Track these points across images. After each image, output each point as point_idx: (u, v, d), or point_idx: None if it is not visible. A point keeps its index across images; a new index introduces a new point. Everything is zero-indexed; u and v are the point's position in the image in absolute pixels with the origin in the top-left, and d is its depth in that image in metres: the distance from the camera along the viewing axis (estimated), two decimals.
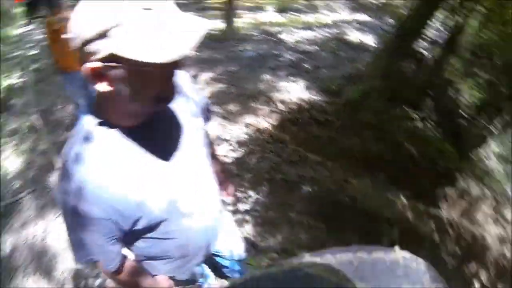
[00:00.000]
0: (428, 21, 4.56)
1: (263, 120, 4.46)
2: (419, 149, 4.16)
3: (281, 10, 8.93)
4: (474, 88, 5.06)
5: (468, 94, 5.14)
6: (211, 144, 1.33)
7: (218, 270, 1.89)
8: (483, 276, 3.12)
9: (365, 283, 0.38)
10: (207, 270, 1.83)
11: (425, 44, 5.30)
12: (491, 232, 3.57)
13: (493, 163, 4.44)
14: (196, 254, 1.23)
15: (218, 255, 1.64)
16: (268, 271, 0.30)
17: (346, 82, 5.30)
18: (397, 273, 0.40)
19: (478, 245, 3.46)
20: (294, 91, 5.12)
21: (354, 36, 7.44)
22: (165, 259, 1.17)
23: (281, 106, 4.75)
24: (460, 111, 4.89)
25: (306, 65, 6.00)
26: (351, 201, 3.39)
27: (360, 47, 6.88)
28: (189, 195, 1.08)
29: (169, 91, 0.88)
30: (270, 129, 4.32)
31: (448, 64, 4.88)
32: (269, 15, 8.68)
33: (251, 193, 3.40)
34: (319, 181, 3.61)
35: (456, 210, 3.73)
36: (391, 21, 6.74)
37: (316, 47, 6.77)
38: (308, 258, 0.42)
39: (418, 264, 0.42)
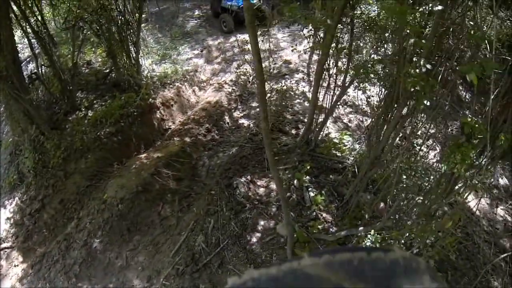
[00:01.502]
0: None
1: None
2: None
3: None
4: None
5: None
6: None
7: None
8: None
9: (364, 283, 0.36)
10: None
11: None
12: None
13: None
14: None
15: None
16: (267, 270, 0.40)
17: None
18: (396, 273, 0.37)
19: None
20: None
21: None
22: None
23: None
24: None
25: None
26: None
27: None
28: None
29: None
30: None
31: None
32: None
33: None
34: None
35: None
36: None
37: None
38: (307, 258, 0.38)
39: (418, 264, 0.40)
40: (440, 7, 2.53)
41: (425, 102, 2.93)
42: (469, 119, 2.51)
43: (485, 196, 5.09)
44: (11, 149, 5.89)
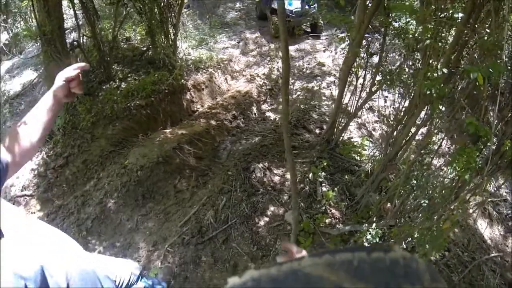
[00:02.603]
0: None
1: None
2: None
3: None
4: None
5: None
6: None
7: None
8: None
9: (364, 282, 0.36)
10: None
11: None
12: None
13: None
14: None
15: None
16: (268, 271, 0.41)
17: None
18: (397, 273, 0.38)
19: None
20: None
21: None
22: None
23: None
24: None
25: None
26: None
27: None
28: None
29: None
30: None
31: None
32: None
33: None
34: None
35: None
36: None
37: None
38: (308, 258, 0.39)
39: (418, 264, 0.40)
40: (461, 15, 2.56)
41: (440, 107, 2.96)
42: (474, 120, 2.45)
43: (499, 226, 5.01)
44: None
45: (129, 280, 2.32)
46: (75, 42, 6.73)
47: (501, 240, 4.84)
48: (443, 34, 3.05)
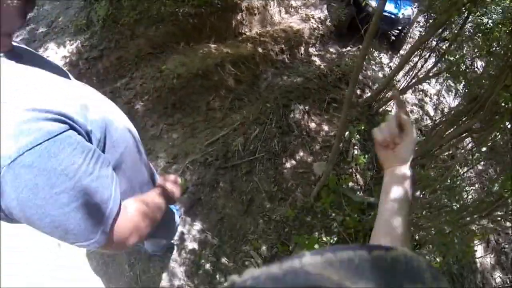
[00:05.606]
0: None
1: None
2: None
3: None
4: None
5: None
6: None
7: None
8: None
9: (365, 281, 0.35)
10: None
11: None
12: None
13: None
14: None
15: None
16: (268, 269, 0.31)
17: None
18: (398, 272, 0.38)
19: None
20: None
21: None
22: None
23: None
24: None
25: None
26: None
27: None
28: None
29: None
30: None
31: None
32: None
33: None
34: None
35: None
36: None
37: None
38: (308, 256, 0.38)
39: (419, 262, 0.40)
40: None
41: (506, 123, 2.82)
42: None
43: (492, 254, 4.91)
44: None
45: None
46: None
47: (489, 269, 4.73)
48: None
